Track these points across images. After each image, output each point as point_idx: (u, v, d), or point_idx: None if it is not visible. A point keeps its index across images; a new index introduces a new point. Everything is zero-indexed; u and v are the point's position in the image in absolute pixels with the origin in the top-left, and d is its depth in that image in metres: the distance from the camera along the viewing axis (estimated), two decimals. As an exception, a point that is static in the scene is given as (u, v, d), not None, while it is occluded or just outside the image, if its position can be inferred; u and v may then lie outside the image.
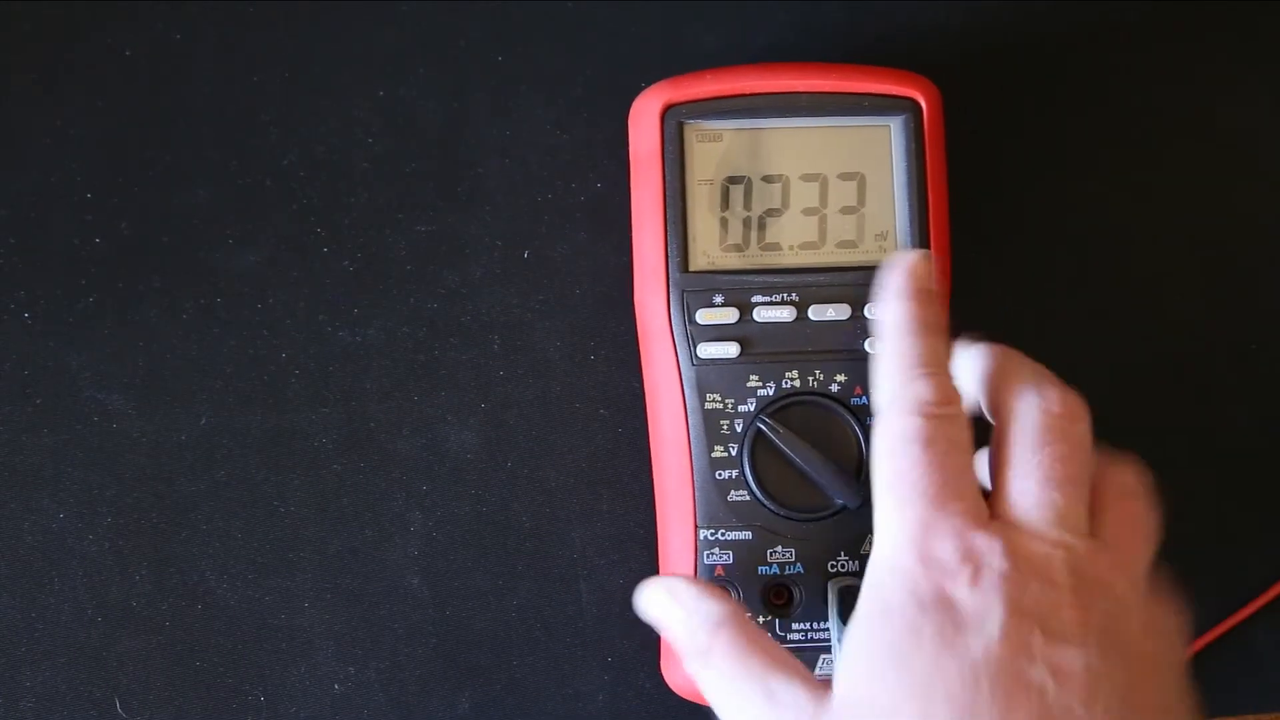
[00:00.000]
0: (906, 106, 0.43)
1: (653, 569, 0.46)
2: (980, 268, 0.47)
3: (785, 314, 0.42)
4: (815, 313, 0.42)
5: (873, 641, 0.32)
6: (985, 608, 0.30)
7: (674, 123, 0.43)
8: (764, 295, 0.42)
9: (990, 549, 0.31)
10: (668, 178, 0.43)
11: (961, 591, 0.31)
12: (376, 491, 0.47)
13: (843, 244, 0.43)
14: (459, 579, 0.46)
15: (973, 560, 0.31)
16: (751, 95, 0.43)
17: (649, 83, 0.44)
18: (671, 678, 0.44)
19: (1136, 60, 0.50)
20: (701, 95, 0.43)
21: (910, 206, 0.43)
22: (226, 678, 0.46)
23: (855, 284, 0.42)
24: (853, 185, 0.43)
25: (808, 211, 0.43)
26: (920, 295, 0.35)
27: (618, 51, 0.48)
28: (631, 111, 0.44)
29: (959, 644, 0.30)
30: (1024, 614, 0.30)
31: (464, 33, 0.48)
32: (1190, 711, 0.32)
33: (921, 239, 0.43)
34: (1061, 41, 0.49)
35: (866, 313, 0.42)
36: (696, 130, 0.43)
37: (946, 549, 0.31)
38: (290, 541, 0.46)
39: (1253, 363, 0.49)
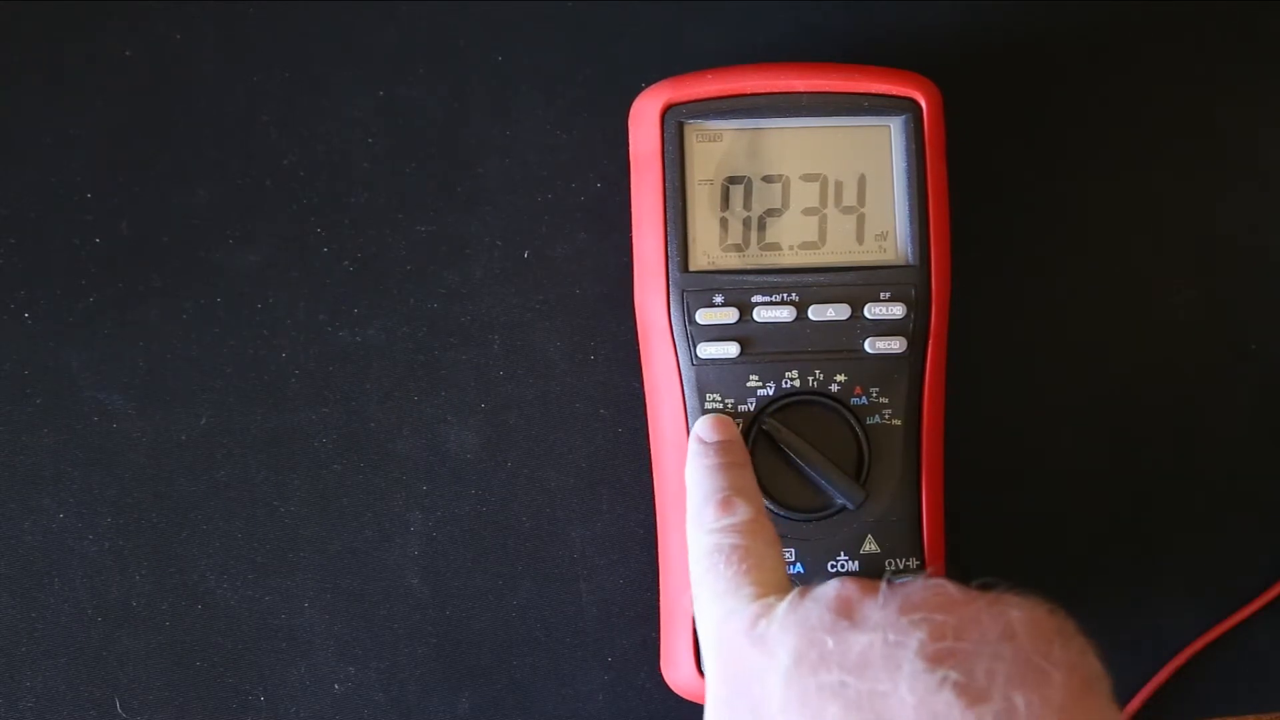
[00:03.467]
0: (906, 106, 0.43)
1: (653, 569, 0.46)
2: (980, 268, 0.47)
3: (785, 314, 0.42)
4: (815, 313, 0.42)
5: None
6: (778, 647, 0.32)
7: (674, 123, 0.43)
8: (764, 295, 0.42)
9: (781, 603, 0.33)
10: (668, 178, 0.43)
11: (756, 653, 0.32)
12: (376, 491, 0.47)
13: (843, 244, 0.43)
14: (459, 579, 0.46)
15: (765, 619, 0.33)
16: (751, 95, 0.43)
17: (649, 83, 0.44)
18: (671, 678, 0.44)
19: (1136, 60, 0.50)
20: (701, 95, 0.43)
21: (910, 206, 0.43)
22: (226, 678, 0.46)
23: (855, 284, 0.42)
24: (853, 185, 0.43)
25: (808, 211, 0.43)
26: (717, 445, 0.39)
27: (618, 51, 0.48)
28: (631, 111, 0.44)
29: (765, 700, 0.31)
30: (812, 632, 0.31)
31: (464, 33, 0.48)
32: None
33: (921, 239, 0.43)
34: (1062, 41, 0.49)
35: (866, 313, 0.42)
36: (696, 130, 0.43)
37: (739, 627, 0.33)
38: (290, 541, 0.46)
39: (1253, 363, 0.49)
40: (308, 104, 0.48)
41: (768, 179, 0.43)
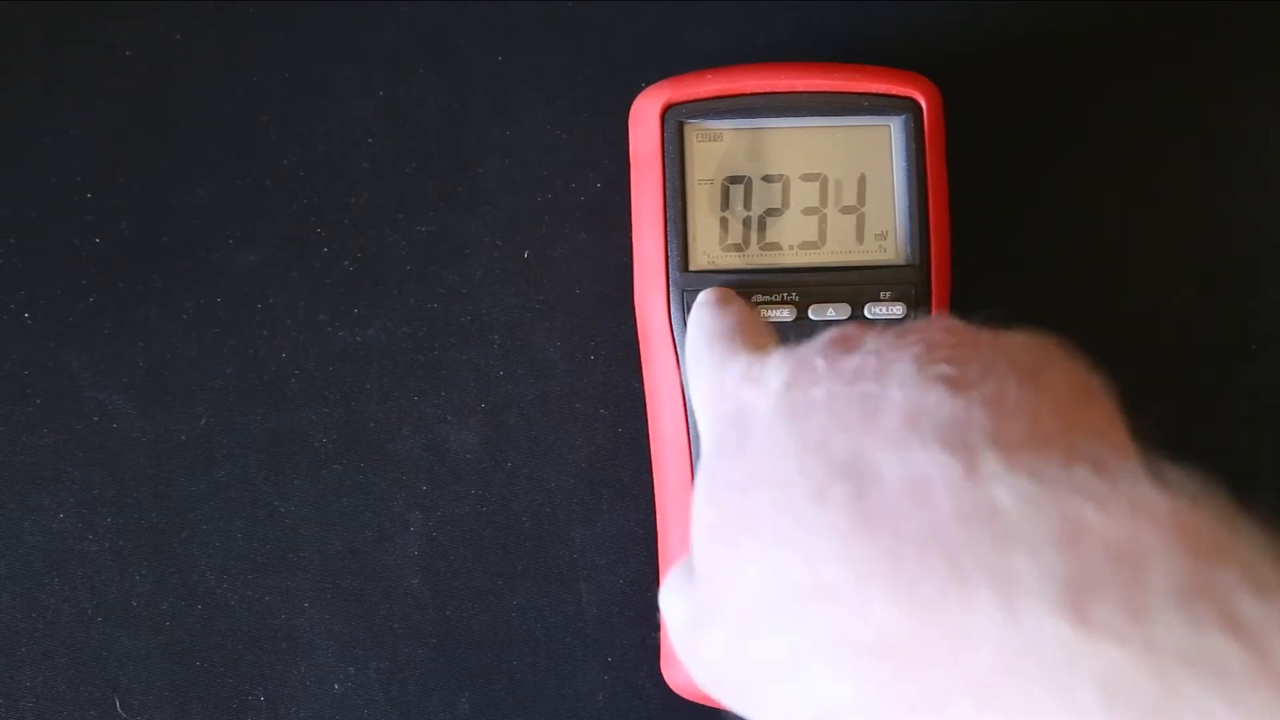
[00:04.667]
0: (907, 106, 0.43)
1: (653, 569, 0.46)
2: (980, 268, 0.47)
3: (785, 314, 0.42)
4: (815, 313, 0.42)
5: (701, 484, 0.30)
6: (771, 379, 0.30)
7: (674, 123, 0.43)
8: (764, 295, 0.42)
9: (774, 353, 0.31)
10: (668, 178, 0.43)
11: (749, 389, 0.30)
12: (376, 491, 0.47)
13: (843, 244, 0.43)
14: (459, 579, 0.46)
15: (758, 364, 0.31)
16: (751, 95, 0.43)
17: (649, 83, 0.44)
18: (671, 678, 0.44)
19: (1136, 60, 0.50)
20: (701, 95, 0.43)
21: (910, 206, 0.43)
22: (226, 678, 0.46)
23: (855, 284, 0.42)
24: (853, 185, 0.43)
25: (808, 211, 0.43)
26: (717, 296, 0.39)
27: (618, 51, 0.48)
28: (631, 111, 0.44)
29: (753, 425, 0.29)
30: (806, 359, 0.29)
31: (464, 33, 0.48)
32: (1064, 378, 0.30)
33: (921, 239, 0.43)
34: (1061, 41, 0.49)
35: (866, 312, 0.42)
36: (696, 130, 0.43)
37: (735, 372, 0.32)
38: (290, 541, 0.46)
39: (1253, 363, 0.49)
40: (308, 104, 0.48)
41: (768, 179, 0.43)
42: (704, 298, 0.39)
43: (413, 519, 0.46)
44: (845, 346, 0.29)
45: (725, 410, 0.31)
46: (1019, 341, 0.29)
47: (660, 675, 0.45)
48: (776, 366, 0.30)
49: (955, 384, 0.27)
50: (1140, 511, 0.24)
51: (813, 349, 0.30)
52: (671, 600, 0.33)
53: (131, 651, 0.46)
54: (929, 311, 0.42)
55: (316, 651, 0.46)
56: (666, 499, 0.44)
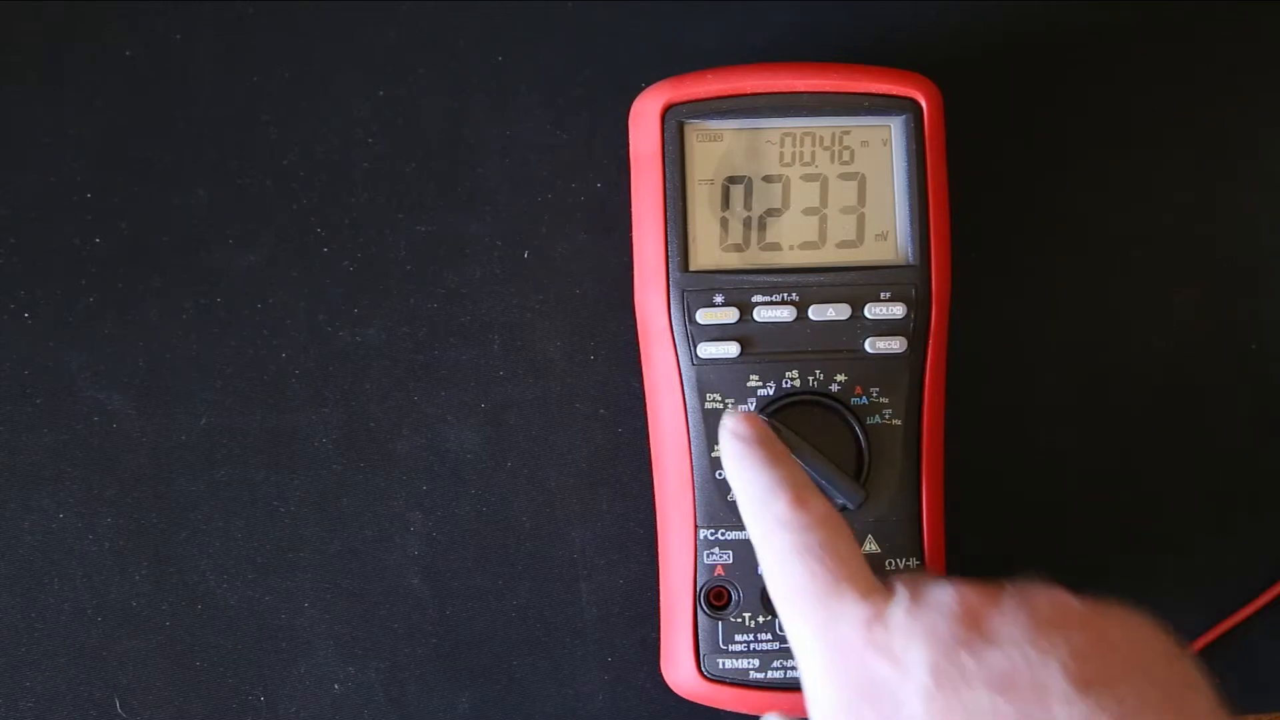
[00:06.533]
0: (907, 106, 0.43)
1: (653, 569, 0.46)
2: (980, 268, 0.47)
3: (785, 314, 0.42)
4: (815, 312, 0.42)
5: None
6: (909, 659, 0.31)
7: (674, 123, 0.43)
8: (764, 295, 0.42)
9: (893, 606, 0.32)
10: (668, 178, 0.43)
11: (881, 662, 0.31)
12: (376, 491, 0.47)
13: (843, 244, 0.43)
14: (459, 579, 0.46)
15: (879, 624, 0.32)
16: (751, 95, 0.43)
17: (649, 83, 0.44)
18: (671, 678, 0.44)
19: (1136, 60, 0.50)
20: (701, 95, 0.43)
21: (910, 206, 0.43)
22: (226, 678, 0.46)
23: (855, 284, 0.42)
24: (853, 185, 0.43)
25: (808, 211, 0.43)
26: (757, 439, 0.37)
27: (618, 51, 0.48)
28: (631, 111, 0.44)
29: (901, 711, 0.30)
30: (945, 646, 0.30)
31: (464, 33, 0.48)
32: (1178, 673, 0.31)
33: (921, 239, 0.43)
34: (1061, 41, 0.49)
35: (867, 313, 0.42)
36: (697, 130, 0.43)
37: (853, 630, 0.32)
38: (290, 541, 0.46)
39: (1253, 363, 0.49)
40: (308, 104, 0.48)
41: (768, 179, 0.43)
42: (738, 434, 0.38)
43: (413, 519, 0.46)
44: (978, 630, 0.30)
45: (852, 675, 0.31)
46: (1148, 644, 0.31)
47: (660, 675, 0.45)
48: (909, 640, 0.31)
49: (1112, 713, 0.29)
50: None
51: (946, 627, 0.31)
52: None
53: (131, 651, 0.46)
54: (929, 311, 0.42)
55: (316, 651, 0.46)
56: (666, 499, 0.44)
